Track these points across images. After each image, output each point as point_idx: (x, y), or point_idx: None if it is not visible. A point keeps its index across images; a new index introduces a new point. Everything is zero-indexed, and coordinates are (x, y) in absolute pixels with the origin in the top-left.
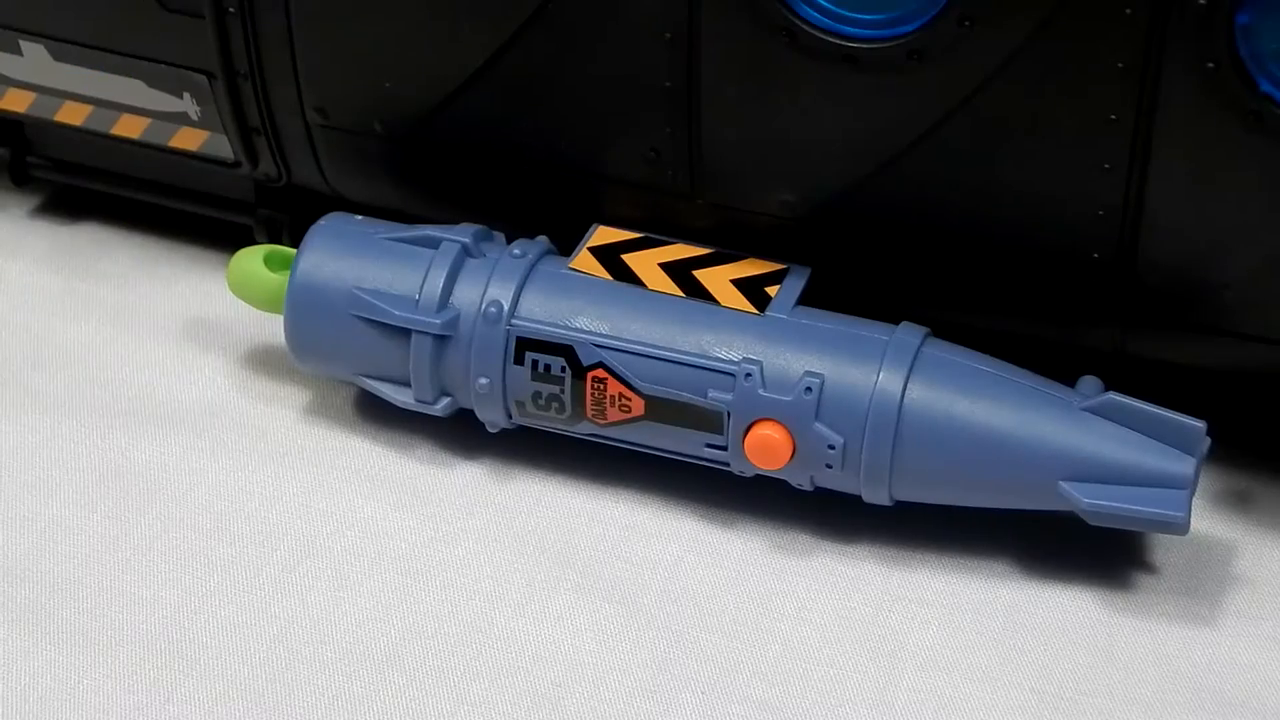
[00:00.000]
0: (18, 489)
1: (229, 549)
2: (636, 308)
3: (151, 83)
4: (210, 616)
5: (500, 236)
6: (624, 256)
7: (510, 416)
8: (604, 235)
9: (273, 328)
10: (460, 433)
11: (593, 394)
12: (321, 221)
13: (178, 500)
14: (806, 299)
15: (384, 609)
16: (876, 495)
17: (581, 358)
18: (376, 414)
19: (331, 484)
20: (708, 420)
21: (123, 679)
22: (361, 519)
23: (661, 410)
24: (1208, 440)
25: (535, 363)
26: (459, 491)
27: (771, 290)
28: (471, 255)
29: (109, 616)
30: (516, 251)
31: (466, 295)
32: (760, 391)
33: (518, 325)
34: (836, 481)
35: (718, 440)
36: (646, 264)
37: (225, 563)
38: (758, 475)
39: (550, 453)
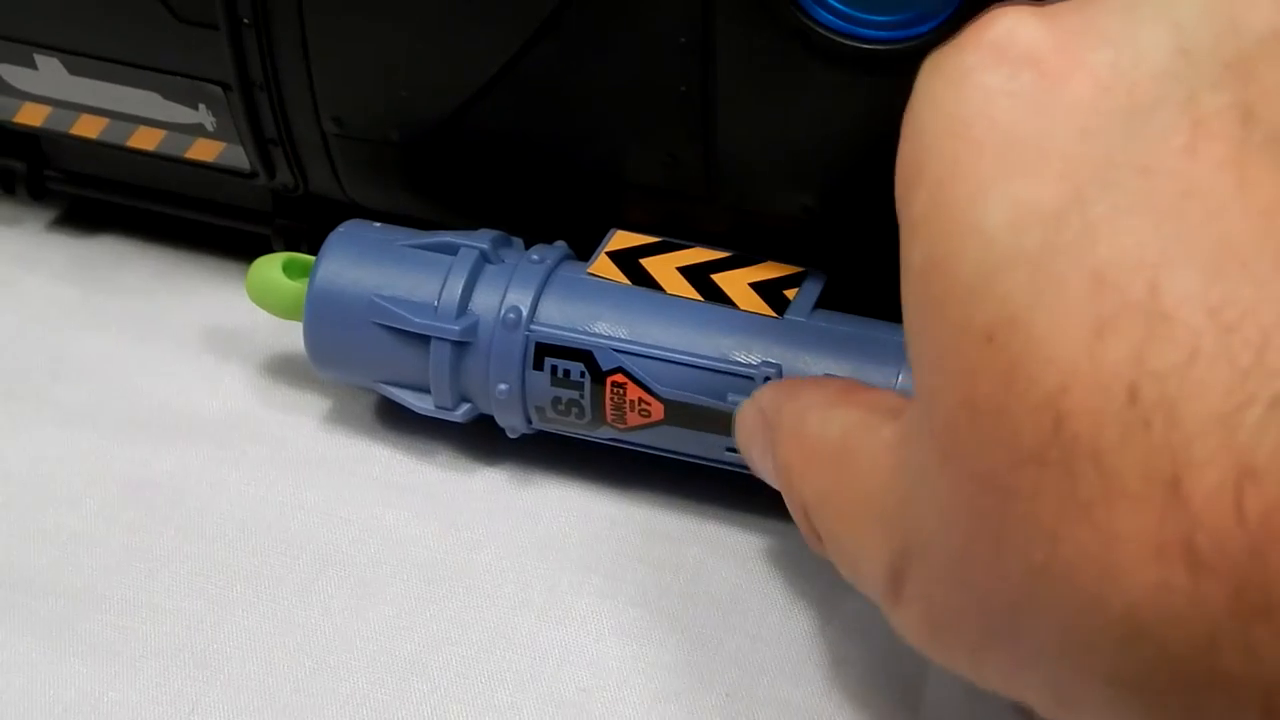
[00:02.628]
0: (40, 502)
1: (251, 559)
2: (655, 312)
3: (167, 95)
4: (234, 627)
5: (519, 242)
6: (642, 261)
7: (530, 422)
8: (622, 240)
9: (292, 336)
10: (481, 438)
11: (612, 399)
12: (340, 229)
13: (200, 511)
14: (825, 302)
15: (407, 616)
16: None
17: (600, 363)
18: (397, 421)
19: (353, 492)
20: (727, 424)
21: (147, 691)
22: (383, 526)
23: (681, 415)
24: None
25: (554, 368)
26: (480, 497)
27: (790, 293)
28: (490, 261)
29: (133, 628)
30: (535, 257)
31: (485, 301)
32: None
33: (536, 331)
34: None
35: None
36: (665, 268)
37: (248, 573)
38: None
39: (571, 457)
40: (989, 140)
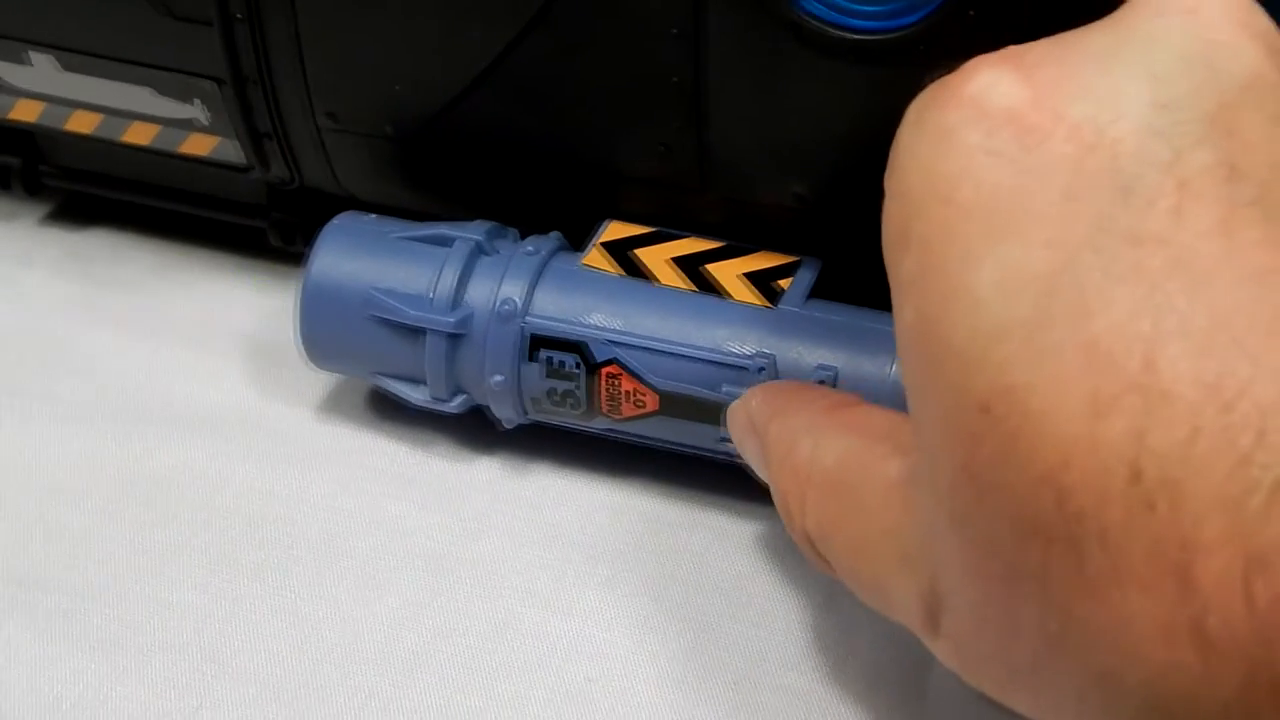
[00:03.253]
0: (44, 498)
1: (257, 552)
2: (648, 303)
3: (160, 90)
4: (239, 620)
5: (513, 232)
6: (635, 252)
7: (525, 413)
8: (616, 230)
9: (290, 328)
10: (479, 429)
11: (606, 390)
12: (334, 221)
13: (203, 505)
14: (818, 291)
15: (413, 608)
16: None
17: (595, 354)
18: (395, 412)
19: (356, 484)
20: (722, 415)
21: (154, 685)
22: (388, 518)
23: (675, 405)
24: None
25: (549, 360)
26: (483, 488)
27: (783, 283)
28: (484, 253)
29: (138, 623)
30: (529, 248)
31: (480, 293)
32: None
33: (531, 323)
34: None
35: None
36: (658, 259)
37: (254, 566)
38: None
39: (570, 446)
40: (973, 202)
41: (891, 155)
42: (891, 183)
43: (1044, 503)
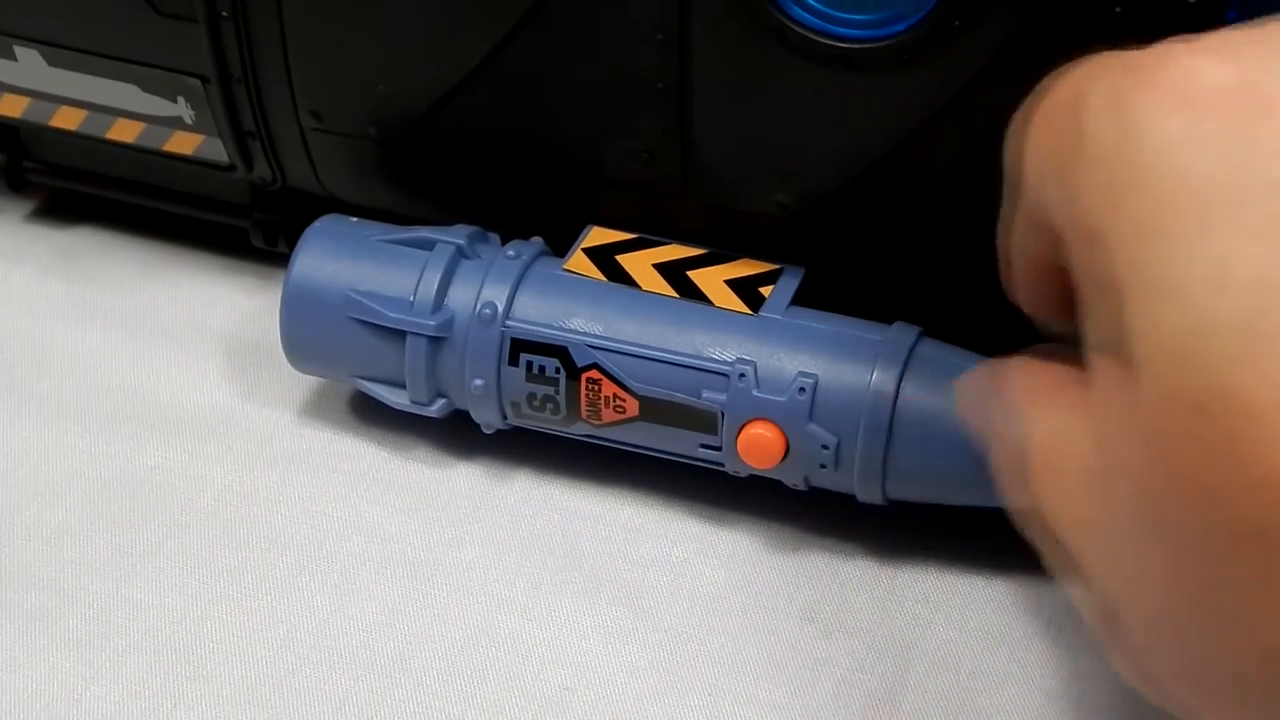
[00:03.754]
0: (24, 495)
1: (235, 555)
2: (630, 309)
3: (146, 87)
4: (217, 622)
5: (495, 237)
6: (618, 257)
7: (505, 418)
8: (598, 236)
9: (273, 330)
10: (460, 433)
11: (587, 395)
12: (316, 224)
13: (183, 506)
14: (800, 299)
15: (390, 613)
16: (870, 494)
17: (576, 359)
18: (376, 415)
19: (336, 487)
20: (702, 421)
21: (129, 686)
22: (367, 523)
23: (656, 411)
24: None
25: (530, 364)
26: (463, 494)
27: (765, 290)
28: (466, 257)
29: (116, 623)
30: (511, 253)
31: (461, 297)
32: (754, 392)
33: (512, 327)
34: (830, 481)
35: (712, 441)
36: (640, 265)
37: (232, 568)
38: (753, 475)
39: (550, 453)
40: (1177, 193)
41: (1068, 149)
42: (1074, 174)
43: (1265, 507)
